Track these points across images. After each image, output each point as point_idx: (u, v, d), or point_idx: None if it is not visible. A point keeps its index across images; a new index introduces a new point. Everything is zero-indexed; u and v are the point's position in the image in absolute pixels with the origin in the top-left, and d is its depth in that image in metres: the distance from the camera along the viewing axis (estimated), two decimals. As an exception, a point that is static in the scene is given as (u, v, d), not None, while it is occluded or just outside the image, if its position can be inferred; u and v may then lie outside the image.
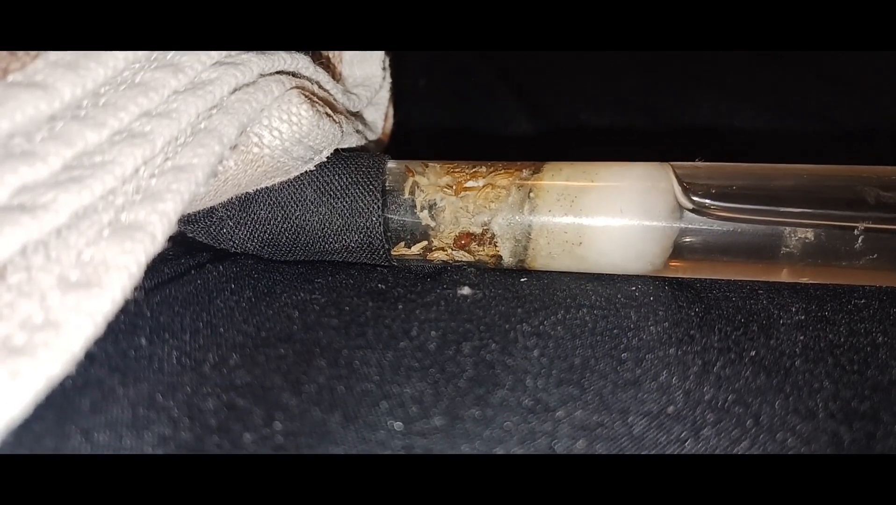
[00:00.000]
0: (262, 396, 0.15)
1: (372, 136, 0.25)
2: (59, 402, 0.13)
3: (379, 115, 0.26)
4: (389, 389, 0.15)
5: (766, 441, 0.15)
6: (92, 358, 0.15)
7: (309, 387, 0.15)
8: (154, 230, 0.14)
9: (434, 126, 0.30)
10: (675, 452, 0.14)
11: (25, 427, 0.13)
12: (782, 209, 0.18)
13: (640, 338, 0.17)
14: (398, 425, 0.14)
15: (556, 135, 0.30)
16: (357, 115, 0.24)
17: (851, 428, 0.15)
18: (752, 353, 0.17)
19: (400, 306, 0.18)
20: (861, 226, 0.17)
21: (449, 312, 0.18)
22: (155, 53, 0.17)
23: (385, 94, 0.26)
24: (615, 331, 0.18)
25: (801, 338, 0.17)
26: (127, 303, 0.16)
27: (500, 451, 0.14)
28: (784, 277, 0.19)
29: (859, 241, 0.17)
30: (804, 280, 0.19)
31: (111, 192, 0.14)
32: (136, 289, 0.13)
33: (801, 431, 0.15)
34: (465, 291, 0.19)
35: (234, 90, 0.17)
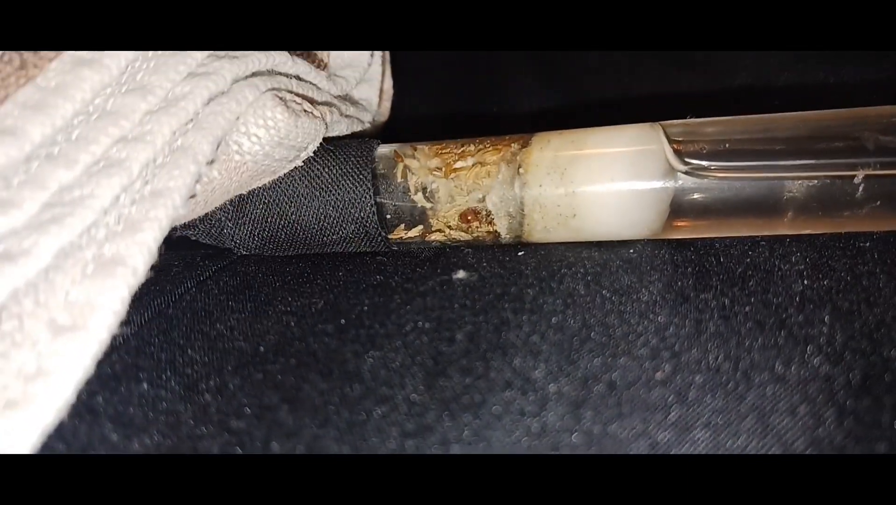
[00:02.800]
0: (260, 415, 0.15)
1: (366, 116, 0.25)
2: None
3: (373, 92, 0.26)
4: (383, 392, 0.16)
5: (754, 396, 0.14)
6: (97, 412, 0.15)
7: (305, 404, 0.15)
8: (135, 263, 0.14)
9: (433, 103, 0.30)
10: (662, 419, 0.14)
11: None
12: (778, 162, 0.17)
13: (632, 304, 0.17)
14: (393, 431, 0.15)
15: (557, 108, 0.29)
16: (346, 98, 0.23)
17: (848, 369, 0.15)
18: (747, 308, 0.17)
19: (397, 298, 0.18)
20: (861, 174, 0.17)
21: (443, 299, 0.18)
22: (125, 76, 0.17)
23: (377, 70, 0.26)
24: (610, 297, 0.17)
25: (800, 288, 0.17)
26: (128, 342, 0.17)
27: (491, 434, 0.14)
28: (785, 230, 0.18)
29: (860, 189, 0.17)
30: (807, 231, 0.18)
31: (92, 224, 0.15)
32: (124, 323, 0.14)
33: (790, 380, 0.15)
34: (461, 274, 0.19)
35: (209, 101, 0.17)
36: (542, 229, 0.20)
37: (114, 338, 0.14)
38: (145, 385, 0.16)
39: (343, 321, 0.18)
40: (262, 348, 0.17)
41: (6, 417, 0.12)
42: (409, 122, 0.29)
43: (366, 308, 0.18)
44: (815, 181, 0.17)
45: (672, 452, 0.14)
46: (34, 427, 0.12)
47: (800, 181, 0.17)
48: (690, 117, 0.19)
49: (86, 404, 0.15)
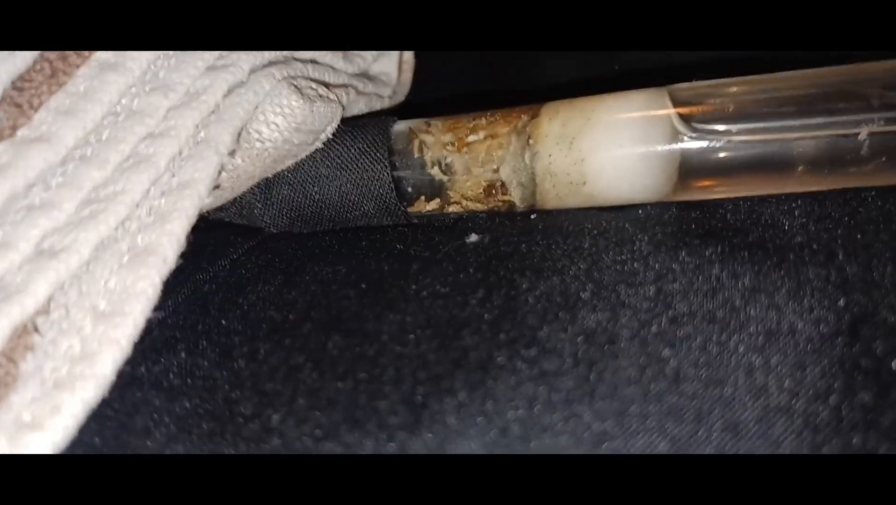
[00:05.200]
0: (287, 375, 0.17)
1: (386, 90, 0.25)
2: (115, 426, 0.16)
3: (392, 65, 0.26)
4: (398, 350, 0.17)
5: (745, 345, 0.15)
6: (142, 380, 0.17)
7: (327, 361, 0.17)
8: (165, 252, 0.16)
9: (455, 77, 0.30)
10: (656, 371, 0.15)
11: (88, 452, 0.15)
12: (785, 122, 0.17)
13: (633, 255, 0.18)
14: (406, 383, 0.16)
15: (574, 79, 0.29)
16: (363, 75, 0.24)
17: (841, 311, 0.15)
18: (746, 253, 0.17)
19: (415, 265, 0.19)
20: (865, 130, 0.17)
21: (457, 264, 0.19)
22: (148, 75, 0.18)
23: (395, 43, 0.26)
24: (614, 250, 0.18)
25: (800, 239, 0.17)
26: (167, 318, 0.19)
27: (495, 386, 0.15)
28: (794, 188, 0.18)
29: (865, 145, 0.17)
30: (814, 189, 0.18)
31: (126, 218, 0.16)
32: (157, 309, 0.15)
33: (783, 325, 0.15)
34: (473, 237, 0.20)
35: (228, 92, 0.18)
36: (555, 197, 0.20)
37: (154, 316, 0.15)
38: (183, 354, 0.17)
39: (364, 286, 0.19)
40: (291, 316, 0.18)
41: (56, 395, 0.13)
42: (433, 98, 0.29)
43: (385, 275, 0.19)
44: (823, 139, 0.17)
45: (665, 401, 0.14)
46: (80, 403, 0.13)
47: (807, 139, 0.17)
48: (696, 80, 0.19)
49: (130, 375, 0.17)
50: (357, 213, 0.22)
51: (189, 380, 0.17)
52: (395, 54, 0.26)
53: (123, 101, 0.17)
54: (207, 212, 0.22)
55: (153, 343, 0.18)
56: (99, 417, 0.14)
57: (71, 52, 0.17)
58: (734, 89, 0.18)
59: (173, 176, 0.17)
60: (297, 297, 0.19)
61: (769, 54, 0.20)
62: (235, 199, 0.22)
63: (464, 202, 0.21)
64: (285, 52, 0.20)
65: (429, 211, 0.22)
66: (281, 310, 0.18)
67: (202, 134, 0.18)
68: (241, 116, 0.18)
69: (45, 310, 0.15)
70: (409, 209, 0.22)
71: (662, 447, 0.14)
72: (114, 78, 0.17)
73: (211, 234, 0.23)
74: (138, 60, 0.17)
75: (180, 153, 0.17)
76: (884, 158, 0.17)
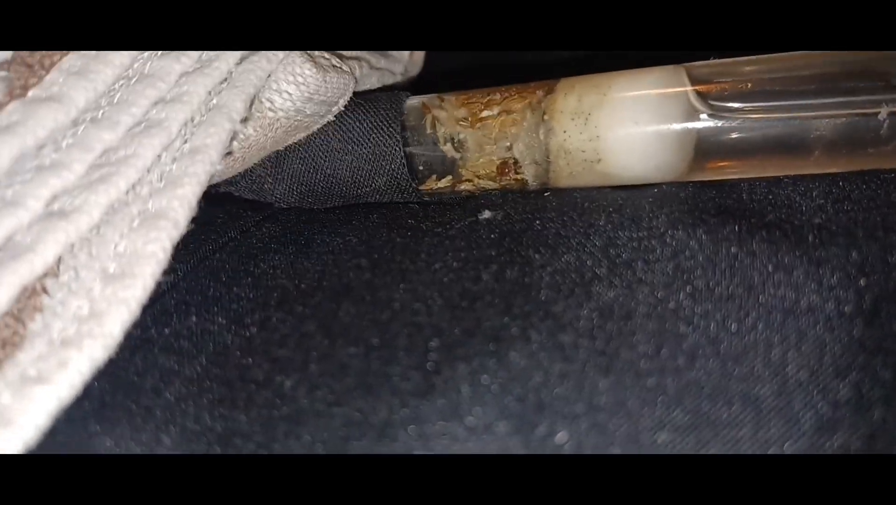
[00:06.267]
0: (299, 342, 0.16)
1: (398, 67, 0.25)
2: (125, 385, 0.16)
3: (404, 43, 0.26)
4: (409, 319, 0.16)
5: (764, 322, 0.15)
6: (152, 342, 0.17)
7: (338, 327, 0.17)
8: (176, 216, 0.15)
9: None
10: (674, 347, 0.15)
11: (99, 408, 0.15)
12: (803, 102, 0.17)
13: (649, 233, 0.17)
14: (418, 351, 0.15)
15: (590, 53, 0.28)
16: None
17: (861, 291, 0.15)
18: (765, 233, 0.17)
19: (427, 240, 0.19)
20: (885, 110, 0.16)
21: (470, 240, 0.19)
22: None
23: (408, 21, 0.26)
24: (628, 226, 0.18)
25: (818, 220, 0.17)
26: (178, 284, 0.18)
27: (509, 352, 0.15)
28: (812, 168, 0.18)
29: (885, 125, 0.17)
30: (833, 169, 0.18)
31: (137, 182, 0.16)
32: (168, 272, 0.15)
33: (801, 304, 0.15)
34: (486, 214, 0.20)
35: (241, 60, 0.18)
36: (568, 175, 0.20)
37: (163, 281, 0.15)
38: (194, 318, 0.17)
39: (376, 256, 0.19)
40: (302, 285, 0.18)
41: (63, 352, 0.13)
42: (446, 72, 0.29)
43: (397, 247, 0.19)
44: (842, 119, 0.17)
45: (682, 376, 0.14)
46: (87, 361, 0.13)
47: (826, 119, 0.17)
48: (714, 58, 0.19)
49: (139, 337, 0.17)
50: (368, 188, 0.21)
51: (200, 344, 0.16)
52: (407, 32, 0.26)
53: (136, 64, 0.17)
54: (218, 184, 0.21)
55: (163, 307, 0.17)
56: (108, 375, 0.14)
57: (84, 14, 0.17)
58: (752, 68, 0.18)
59: (185, 142, 0.17)
60: (309, 266, 0.19)
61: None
62: (245, 172, 0.22)
63: (476, 180, 0.21)
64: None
65: (440, 188, 0.21)
66: (293, 279, 0.18)
67: (214, 101, 0.17)
68: (253, 84, 0.18)
69: (54, 272, 0.15)
70: (421, 186, 0.21)
71: (681, 420, 0.14)
72: (126, 40, 0.17)
73: (221, 207, 0.23)
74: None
75: (192, 119, 0.17)
76: (905, 138, 0.17)
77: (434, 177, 0.21)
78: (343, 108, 0.21)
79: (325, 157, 0.21)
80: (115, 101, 0.16)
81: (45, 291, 0.14)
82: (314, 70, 0.18)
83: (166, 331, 0.17)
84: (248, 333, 0.17)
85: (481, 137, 0.20)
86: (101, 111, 0.16)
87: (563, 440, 0.14)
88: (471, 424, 0.14)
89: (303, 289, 0.18)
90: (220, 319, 0.17)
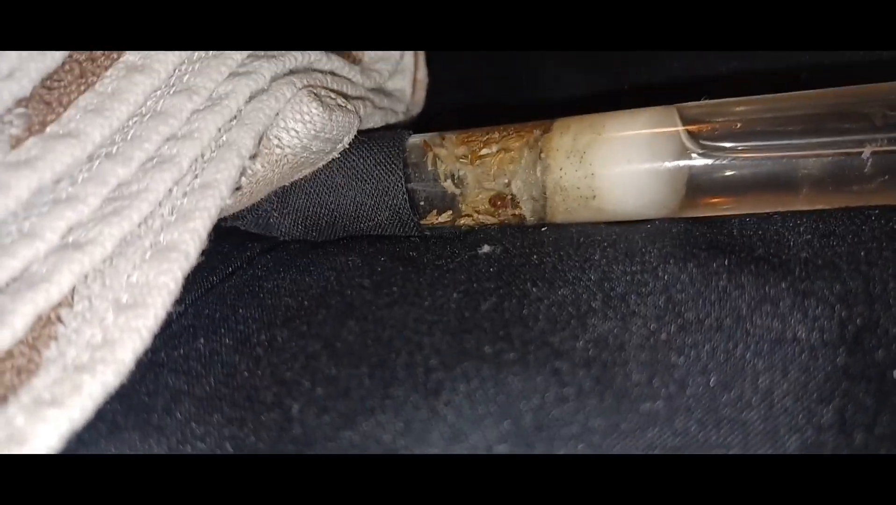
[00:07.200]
0: (306, 364, 0.17)
1: (400, 107, 0.26)
2: (137, 406, 0.16)
3: (406, 83, 0.27)
4: (410, 337, 0.17)
5: (752, 351, 0.15)
6: (161, 365, 0.17)
7: (341, 346, 0.17)
8: (187, 248, 0.16)
9: (468, 91, 0.31)
10: (666, 376, 0.15)
11: (112, 430, 0.16)
12: (791, 141, 0.18)
13: (643, 267, 0.18)
14: (419, 369, 0.16)
15: (588, 94, 0.29)
16: (380, 90, 0.25)
17: (844, 322, 0.16)
18: (753, 267, 0.17)
19: (427, 272, 0.20)
20: (868, 149, 0.17)
21: (470, 273, 0.19)
22: (173, 78, 0.18)
23: (409, 61, 0.27)
24: (623, 262, 0.18)
25: (805, 255, 0.18)
26: (188, 309, 0.19)
27: (507, 377, 0.15)
28: (800, 206, 0.19)
29: (868, 164, 0.17)
30: (820, 206, 0.19)
31: (149, 216, 0.17)
32: (178, 302, 0.16)
33: (786, 334, 0.16)
34: (486, 248, 0.20)
35: (250, 98, 0.19)
36: (565, 211, 0.21)
37: (173, 310, 0.15)
38: (202, 341, 0.18)
39: (378, 277, 0.19)
40: (306, 302, 0.19)
41: (76, 377, 0.14)
42: (446, 111, 0.30)
43: (398, 274, 0.19)
44: (828, 158, 0.18)
45: (674, 402, 0.15)
46: (100, 386, 0.14)
47: (813, 158, 0.18)
48: (705, 98, 0.19)
49: (149, 361, 0.17)
50: (371, 223, 0.22)
51: (208, 365, 0.17)
52: (409, 73, 0.27)
53: (149, 102, 0.18)
54: (225, 218, 0.22)
55: (172, 332, 0.18)
56: (120, 397, 0.14)
57: (99, 54, 0.18)
58: (741, 108, 0.19)
59: (196, 177, 0.17)
60: (311, 283, 0.19)
61: (777, 64, 0.21)
62: (252, 207, 0.22)
63: (475, 215, 0.22)
64: (305, 63, 0.20)
65: (441, 223, 0.22)
66: (296, 296, 0.19)
67: (224, 137, 0.18)
68: (262, 121, 0.18)
69: (68, 302, 0.15)
70: (422, 221, 0.22)
71: (671, 442, 0.14)
72: (140, 79, 0.17)
73: (226, 239, 0.23)
74: (164, 63, 0.18)
75: (203, 155, 0.18)
76: (886, 177, 0.17)
77: (435, 212, 0.22)
78: (348, 146, 0.21)
79: (330, 192, 0.22)
80: (129, 137, 0.17)
81: (59, 319, 0.15)
82: (321, 109, 0.19)
83: (175, 354, 0.17)
84: (254, 353, 0.17)
85: (480, 174, 0.21)
86: (116, 147, 0.17)
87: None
88: (471, 446, 0.15)
89: (307, 306, 0.19)
90: (227, 340, 0.18)
